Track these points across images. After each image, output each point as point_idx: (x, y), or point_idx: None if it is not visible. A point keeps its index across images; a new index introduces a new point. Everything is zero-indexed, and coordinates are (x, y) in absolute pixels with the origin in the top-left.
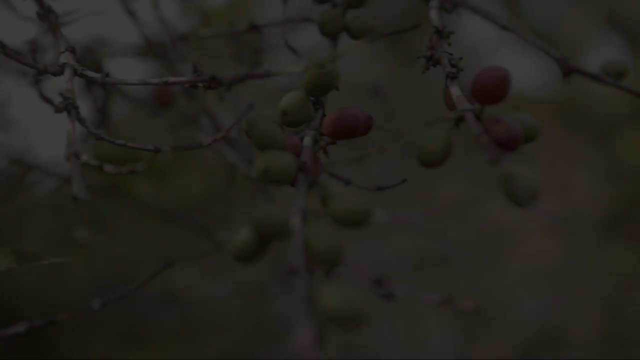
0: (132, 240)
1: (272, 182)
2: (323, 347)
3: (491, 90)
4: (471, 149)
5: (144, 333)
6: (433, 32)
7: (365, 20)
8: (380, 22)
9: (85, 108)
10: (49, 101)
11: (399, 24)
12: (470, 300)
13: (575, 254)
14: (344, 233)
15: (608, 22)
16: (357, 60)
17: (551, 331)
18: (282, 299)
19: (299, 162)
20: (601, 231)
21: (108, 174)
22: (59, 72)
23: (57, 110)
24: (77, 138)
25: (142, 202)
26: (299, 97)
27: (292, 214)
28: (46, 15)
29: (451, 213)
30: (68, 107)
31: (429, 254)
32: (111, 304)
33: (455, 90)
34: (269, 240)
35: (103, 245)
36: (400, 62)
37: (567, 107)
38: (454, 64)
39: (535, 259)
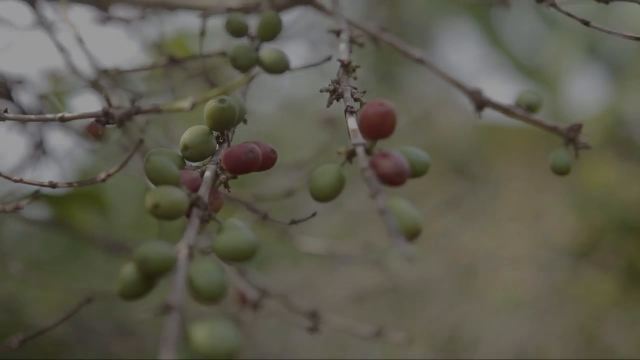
0: (79, 272)
1: (162, 217)
2: None
3: (376, 125)
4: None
5: None
6: (339, 66)
7: (276, 53)
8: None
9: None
10: None
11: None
12: (401, 333)
13: (548, 283)
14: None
15: (589, 50)
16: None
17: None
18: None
19: (193, 197)
20: (573, 260)
21: (56, 207)
22: None
23: None
24: None
25: (86, 233)
26: (202, 131)
27: (178, 250)
28: None
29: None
30: None
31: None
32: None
33: (351, 124)
34: (153, 276)
35: (42, 279)
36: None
37: (540, 136)
38: (356, 98)
39: (509, 288)
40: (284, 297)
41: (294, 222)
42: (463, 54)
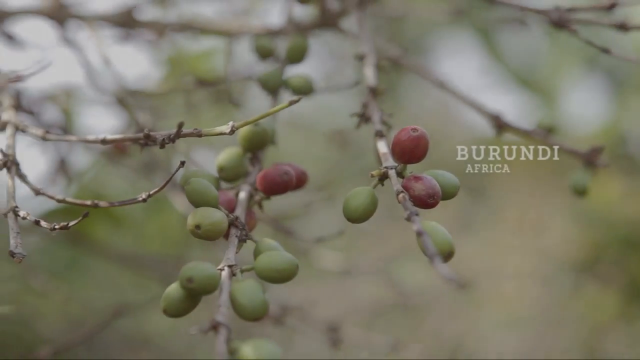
0: (100, 285)
1: (203, 237)
2: None
3: (409, 149)
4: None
5: None
6: (367, 90)
7: (303, 77)
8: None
9: (46, 160)
10: None
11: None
12: (418, 345)
13: (550, 298)
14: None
15: (588, 63)
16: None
17: None
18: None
19: (231, 218)
20: (575, 275)
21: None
22: (0, 129)
23: None
24: (15, 194)
25: (104, 248)
26: (236, 153)
27: (220, 269)
28: None
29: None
30: (8, 164)
31: (394, 299)
32: (83, 348)
33: (381, 147)
34: (197, 295)
35: (65, 293)
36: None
37: (539, 149)
38: (384, 121)
39: (510, 302)
40: (304, 311)
41: (320, 239)
42: (462, 67)
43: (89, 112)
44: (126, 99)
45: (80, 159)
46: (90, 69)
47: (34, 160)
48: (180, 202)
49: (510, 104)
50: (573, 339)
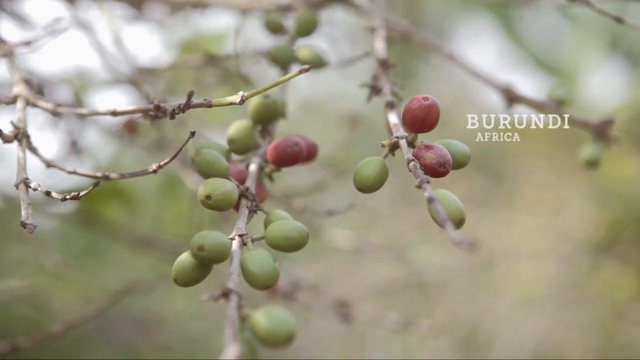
0: (116, 268)
1: (214, 207)
2: None
3: (420, 118)
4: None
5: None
6: (377, 63)
7: (313, 50)
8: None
9: (58, 138)
10: None
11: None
12: (431, 322)
13: (568, 278)
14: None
15: (609, 44)
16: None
17: (546, 356)
18: None
19: (242, 188)
20: (593, 254)
21: (86, 203)
22: (11, 102)
23: (5, 140)
24: (26, 166)
25: (118, 230)
26: (246, 126)
27: (231, 238)
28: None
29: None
30: (18, 136)
31: (408, 279)
32: (96, 330)
33: (392, 118)
34: (208, 264)
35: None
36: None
37: (558, 131)
38: (395, 93)
39: (528, 282)
40: (316, 288)
41: (330, 213)
42: (482, 50)
43: (101, 93)
44: (137, 77)
45: (93, 140)
46: (101, 49)
47: (46, 141)
48: (191, 179)
49: (530, 87)
50: (591, 319)
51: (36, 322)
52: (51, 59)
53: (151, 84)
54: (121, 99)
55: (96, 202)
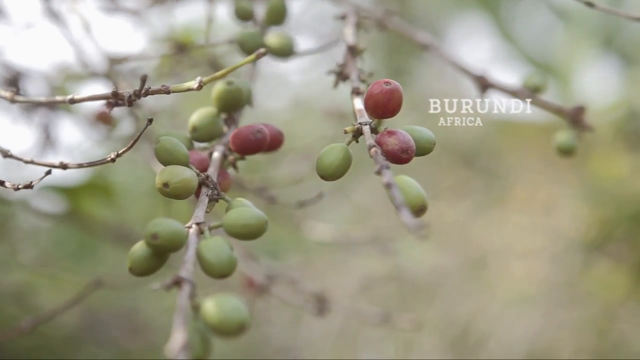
0: (90, 268)
1: (172, 196)
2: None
3: (382, 103)
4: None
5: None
6: (345, 49)
7: (282, 37)
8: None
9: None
10: None
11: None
12: (409, 317)
13: (560, 276)
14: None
15: (602, 42)
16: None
17: (538, 354)
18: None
19: (202, 177)
20: (585, 252)
21: (67, 198)
22: None
23: None
24: None
25: (103, 226)
26: (210, 113)
27: (188, 226)
28: None
29: (433, 235)
30: None
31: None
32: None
33: (357, 104)
34: (163, 252)
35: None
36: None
37: (550, 129)
38: (363, 79)
39: (520, 281)
40: (293, 281)
41: (301, 204)
42: (474, 48)
43: (81, 87)
44: (109, 68)
45: (69, 134)
46: (74, 41)
47: (21, 134)
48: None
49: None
50: (583, 317)
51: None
52: (27, 52)
53: (124, 76)
54: (99, 91)
55: (84, 201)
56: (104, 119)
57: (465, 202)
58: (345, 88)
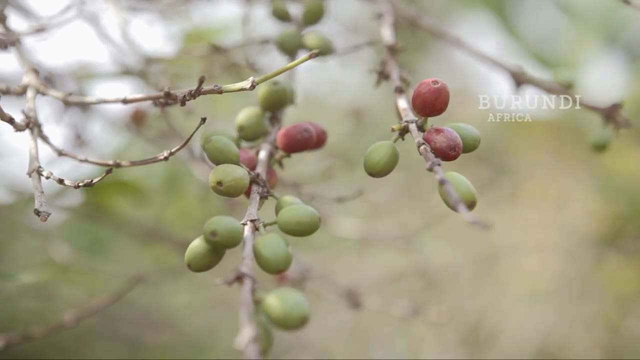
0: (120, 260)
1: (225, 194)
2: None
3: (430, 101)
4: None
5: (139, 354)
6: (385, 49)
7: (320, 37)
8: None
9: (63, 129)
10: (10, 120)
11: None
12: (441, 310)
13: (572, 272)
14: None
15: (607, 38)
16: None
17: (550, 350)
18: None
19: (252, 175)
20: (597, 247)
21: (93, 195)
22: (21, 92)
23: (18, 129)
24: (38, 155)
25: (122, 221)
26: (255, 113)
27: (242, 224)
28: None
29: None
30: (30, 125)
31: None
32: (101, 325)
33: (401, 103)
34: (221, 249)
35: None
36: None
37: (561, 126)
38: (403, 78)
39: (532, 276)
40: (325, 276)
41: (340, 200)
42: (479, 45)
43: (104, 84)
44: (144, 67)
45: (98, 133)
46: (108, 40)
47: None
48: (199, 170)
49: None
50: (595, 312)
51: (42, 315)
52: (57, 51)
53: (158, 75)
54: (125, 90)
55: (103, 195)
56: (137, 118)
57: (477, 198)
58: (344, 88)
